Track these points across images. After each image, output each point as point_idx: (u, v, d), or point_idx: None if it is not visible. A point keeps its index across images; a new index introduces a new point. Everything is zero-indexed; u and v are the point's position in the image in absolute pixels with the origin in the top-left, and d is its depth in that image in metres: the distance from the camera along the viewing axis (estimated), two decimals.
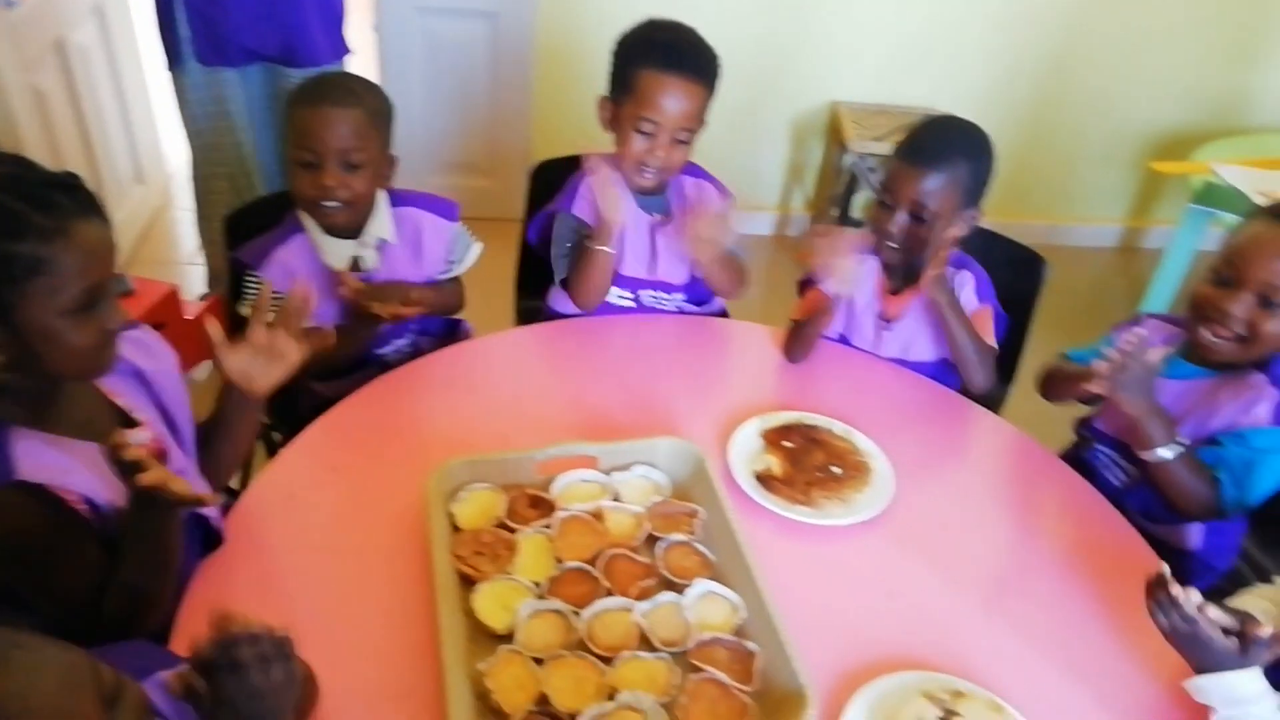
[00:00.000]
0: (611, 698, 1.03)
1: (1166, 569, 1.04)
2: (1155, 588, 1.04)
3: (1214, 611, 1.01)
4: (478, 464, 1.29)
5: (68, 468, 0.93)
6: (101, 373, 0.97)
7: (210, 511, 1.09)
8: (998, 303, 1.67)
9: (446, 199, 1.68)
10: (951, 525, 1.37)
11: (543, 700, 1.03)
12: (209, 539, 1.13)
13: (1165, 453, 1.33)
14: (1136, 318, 1.57)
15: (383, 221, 1.57)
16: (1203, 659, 1.03)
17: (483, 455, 1.30)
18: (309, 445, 1.37)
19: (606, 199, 1.59)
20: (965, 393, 1.63)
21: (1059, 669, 1.16)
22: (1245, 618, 1.03)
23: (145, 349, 1.10)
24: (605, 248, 1.63)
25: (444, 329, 1.78)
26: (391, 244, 1.59)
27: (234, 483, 1.42)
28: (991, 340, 1.63)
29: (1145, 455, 1.35)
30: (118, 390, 1.03)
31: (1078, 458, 1.59)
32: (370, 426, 1.43)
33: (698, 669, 1.08)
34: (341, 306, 1.53)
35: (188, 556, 1.05)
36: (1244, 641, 1.01)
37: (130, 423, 1.02)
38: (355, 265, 1.56)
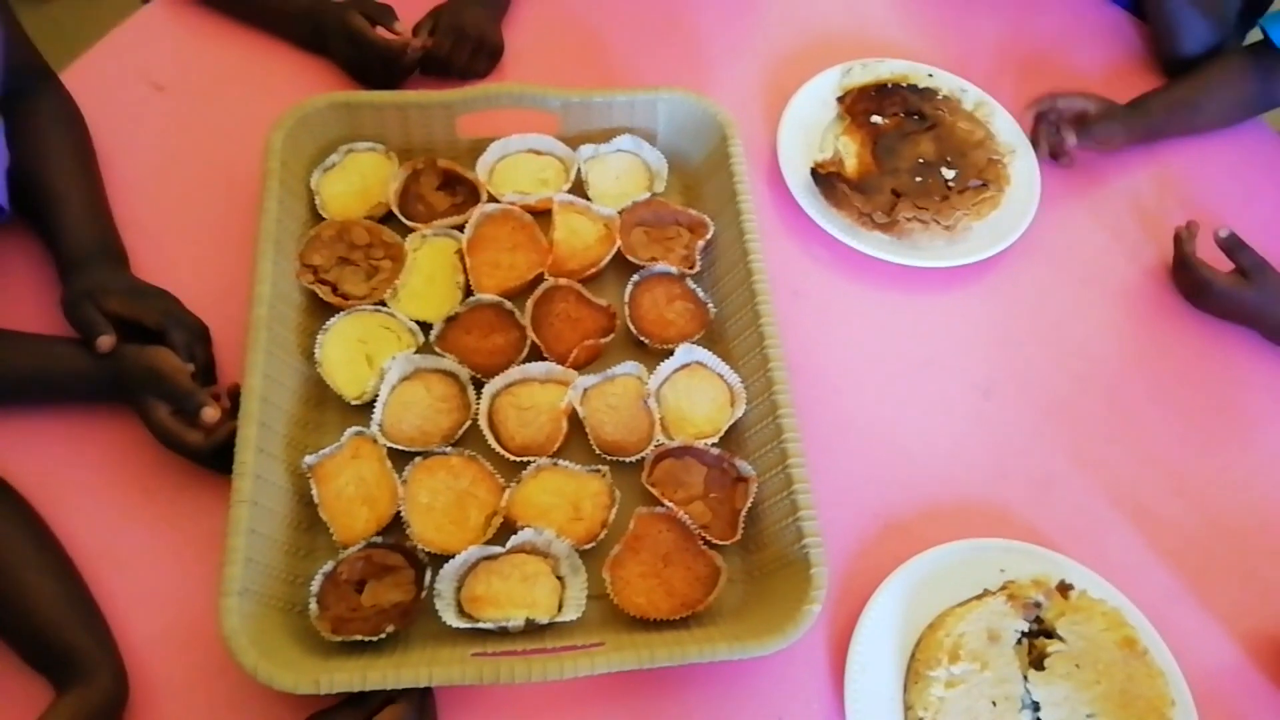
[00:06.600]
0: (506, 532, 0.65)
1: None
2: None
3: None
4: (356, 107, 0.79)
5: None
6: None
7: None
8: None
9: None
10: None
11: (392, 526, 0.65)
12: None
13: None
14: None
15: None
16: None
17: (364, 94, 0.80)
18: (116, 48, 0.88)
19: None
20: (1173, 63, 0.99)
21: None
22: None
23: None
24: None
25: None
26: None
27: None
28: None
29: None
30: None
31: None
32: (199, 34, 0.92)
33: (654, 500, 0.67)
34: None
35: None
36: None
37: None
38: None
